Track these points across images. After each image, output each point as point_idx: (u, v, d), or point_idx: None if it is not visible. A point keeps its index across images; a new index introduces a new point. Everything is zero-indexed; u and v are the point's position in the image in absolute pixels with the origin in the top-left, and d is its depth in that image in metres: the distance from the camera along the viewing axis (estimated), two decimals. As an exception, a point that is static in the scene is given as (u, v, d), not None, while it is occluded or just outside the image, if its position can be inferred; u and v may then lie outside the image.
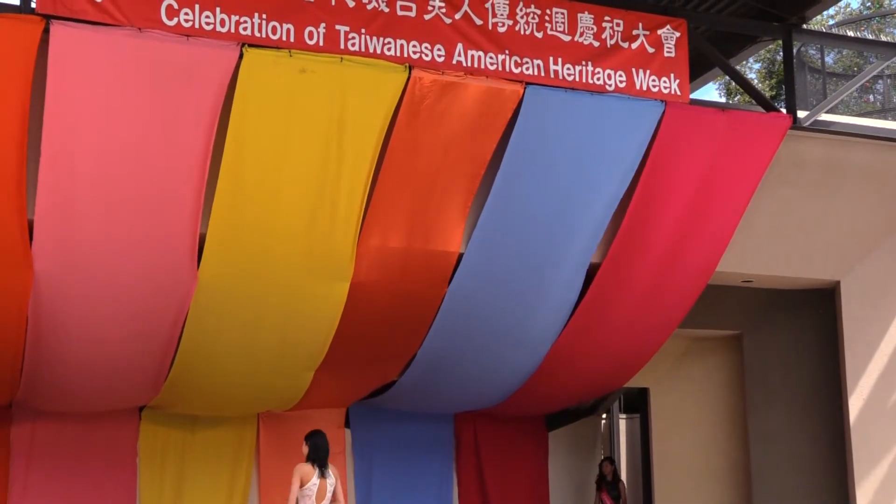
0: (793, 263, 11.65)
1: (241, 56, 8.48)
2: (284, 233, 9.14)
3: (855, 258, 11.90)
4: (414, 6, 9.27)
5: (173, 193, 8.70)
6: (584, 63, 9.82)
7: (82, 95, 8.24)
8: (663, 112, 9.89)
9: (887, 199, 11.59)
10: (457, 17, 9.42)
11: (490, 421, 12.31)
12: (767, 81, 21.01)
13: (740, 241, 10.78)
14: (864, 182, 11.35)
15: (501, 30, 9.56)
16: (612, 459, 12.54)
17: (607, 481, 12.44)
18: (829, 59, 15.06)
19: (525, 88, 9.39)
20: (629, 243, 10.25)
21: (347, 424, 11.89)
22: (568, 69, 9.75)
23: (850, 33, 17.30)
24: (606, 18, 9.95)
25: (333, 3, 9.02)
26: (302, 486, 7.87)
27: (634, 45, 10.03)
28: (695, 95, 11.78)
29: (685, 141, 10.06)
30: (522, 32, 9.63)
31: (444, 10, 9.39)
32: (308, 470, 7.91)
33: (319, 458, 7.92)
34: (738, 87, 19.31)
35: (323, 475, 7.84)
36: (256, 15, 8.77)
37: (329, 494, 7.85)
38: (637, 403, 13.79)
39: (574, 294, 10.42)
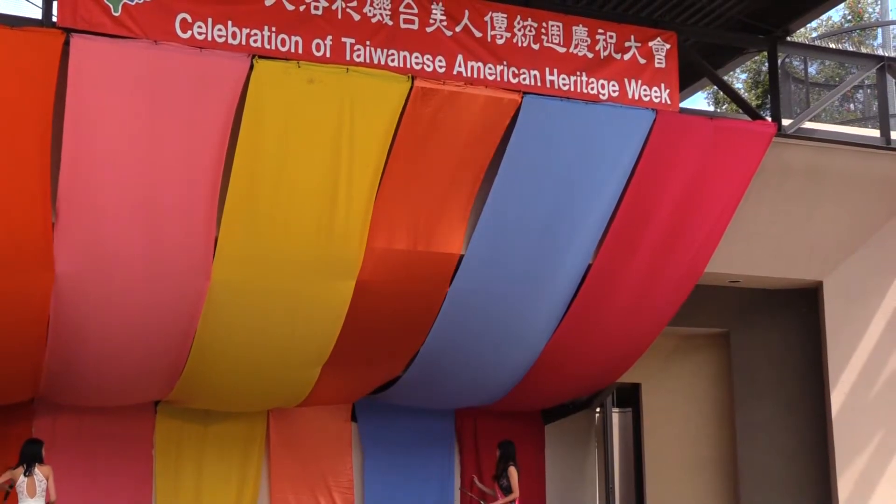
0: (778, 264, 11.90)
1: (251, 67, 8.71)
2: (294, 235, 9.36)
3: (837, 259, 12.17)
4: (416, 19, 9.51)
5: (188, 197, 8.93)
6: (578, 73, 10.06)
7: (101, 104, 8.48)
8: (654, 120, 10.13)
9: (867, 203, 11.85)
10: (457, 29, 9.66)
11: (489, 415, 12.51)
12: (753, 91, 21.14)
13: (728, 242, 10.99)
14: (846, 187, 11.60)
15: (500, 42, 9.80)
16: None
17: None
18: (812, 70, 15.24)
19: (522, 97, 9.63)
20: (620, 245, 10.48)
21: (354, 419, 12.16)
22: (563, 79, 10.00)
23: (832, 45, 17.53)
24: (600, 31, 10.20)
25: (340, 16, 9.26)
26: (12, 485, 9.63)
27: (627, 57, 10.27)
28: (684, 104, 11.86)
29: (675, 147, 10.31)
30: (520, 44, 9.87)
31: (445, 24, 9.64)
32: (17, 472, 9.58)
33: (26, 461, 9.57)
34: (725, 96, 19.27)
35: (29, 474, 9.53)
36: (266, 28, 9.00)
37: (39, 488, 9.53)
38: (629, 398, 13.88)
39: (569, 294, 10.66)
